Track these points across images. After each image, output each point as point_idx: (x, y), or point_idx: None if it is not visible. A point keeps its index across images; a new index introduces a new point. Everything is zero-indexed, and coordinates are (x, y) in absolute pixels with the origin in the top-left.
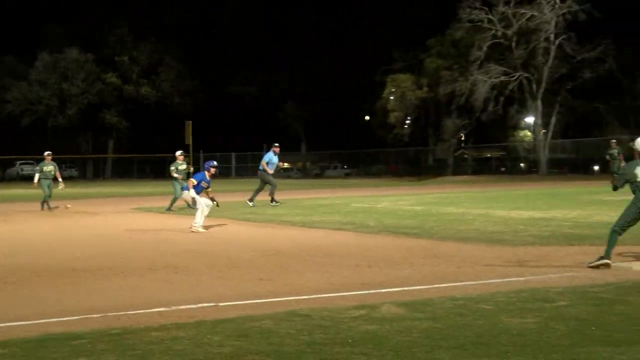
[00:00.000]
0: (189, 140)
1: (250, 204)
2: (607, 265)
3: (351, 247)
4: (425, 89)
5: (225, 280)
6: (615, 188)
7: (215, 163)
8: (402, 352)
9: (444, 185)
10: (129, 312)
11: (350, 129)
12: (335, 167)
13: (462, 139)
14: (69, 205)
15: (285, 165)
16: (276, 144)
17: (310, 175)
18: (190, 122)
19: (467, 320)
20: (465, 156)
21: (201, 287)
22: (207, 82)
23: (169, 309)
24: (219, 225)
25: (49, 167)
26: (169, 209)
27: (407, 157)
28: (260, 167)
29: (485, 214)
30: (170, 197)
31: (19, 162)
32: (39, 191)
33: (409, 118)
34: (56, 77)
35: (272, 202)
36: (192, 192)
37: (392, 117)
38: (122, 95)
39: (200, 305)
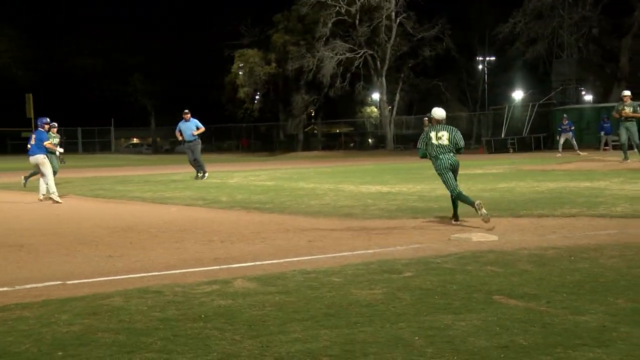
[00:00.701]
0: (30, 113)
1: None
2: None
3: (203, 223)
4: (274, 64)
5: (73, 257)
6: (421, 155)
7: (47, 119)
8: (256, 325)
9: (295, 161)
10: None
11: (201, 104)
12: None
13: (312, 114)
14: None
15: (135, 140)
16: (185, 110)
17: (161, 150)
18: (31, 95)
19: (318, 293)
20: (315, 132)
21: (48, 265)
22: (51, 54)
23: (12, 288)
24: (66, 201)
25: None
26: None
27: (258, 133)
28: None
29: (335, 189)
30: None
31: None
32: None
33: (258, 93)
34: None
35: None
36: (45, 156)
37: (242, 93)
38: None
39: (46, 283)
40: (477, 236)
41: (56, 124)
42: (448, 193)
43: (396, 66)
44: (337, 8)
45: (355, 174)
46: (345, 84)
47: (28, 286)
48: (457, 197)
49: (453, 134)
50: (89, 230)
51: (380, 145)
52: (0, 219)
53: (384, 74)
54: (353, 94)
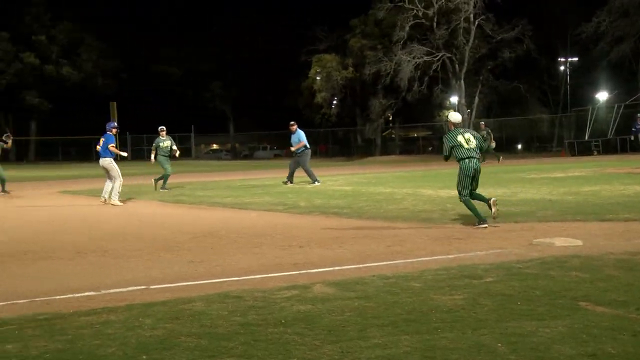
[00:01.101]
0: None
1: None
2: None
3: (282, 228)
4: (351, 69)
5: (156, 263)
6: (446, 158)
7: (115, 123)
8: (335, 331)
9: (373, 165)
10: (57, 297)
11: (278, 110)
12: (264, 148)
13: (390, 119)
14: None
15: (215, 146)
16: (291, 122)
17: (240, 156)
18: (115, 103)
19: (397, 298)
20: (393, 136)
21: (131, 270)
22: (131, 62)
23: (98, 293)
24: (149, 207)
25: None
26: (163, 188)
27: (336, 138)
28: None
29: (413, 193)
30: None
31: None
32: None
33: (335, 98)
34: None
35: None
36: (113, 160)
37: (319, 98)
38: (43, 75)
39: (130, 288)
40: (560, 241)
41: (164, 127)
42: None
43: (475, 69)
44: (415, 11)
45: (433, 178)
46: (423, 87)
47: (113, 291)
48: (464, 202)
49: (477, 136)
50: (171, 235)
51: None
52: (85, 224)
53: (462, 76)
54: (431, 98)
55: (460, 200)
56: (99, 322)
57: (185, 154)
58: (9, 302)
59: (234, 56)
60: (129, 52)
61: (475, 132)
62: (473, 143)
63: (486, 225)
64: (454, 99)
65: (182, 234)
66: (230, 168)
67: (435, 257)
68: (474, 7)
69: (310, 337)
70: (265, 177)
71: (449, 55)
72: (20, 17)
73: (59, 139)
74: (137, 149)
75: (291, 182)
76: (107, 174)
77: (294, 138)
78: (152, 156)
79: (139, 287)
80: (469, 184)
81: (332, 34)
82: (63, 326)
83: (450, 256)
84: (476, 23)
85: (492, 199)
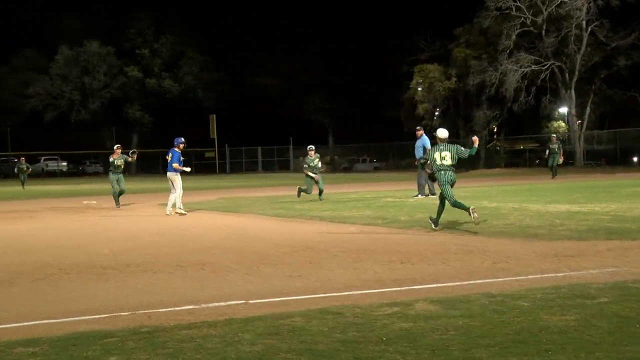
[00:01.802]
0: (214, 134)
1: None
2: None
3: (383, 243)
4: (454, 79)
5: (254, 277)
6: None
7: (182, 139)
8: (439, 350)
9: (477, 179)
10: (158, 310)
11: (378, 121)
12: (364, 161)
13: (494, 130)
14: (94, 202)
15: None
16: (417, 127)
17: (339, 169)
18: (214, 115)
19: (504, 318)
20: (498, 148)
21: (230, 284)
22: (231, 74)
23: (198, 306)
24: (246, 221)
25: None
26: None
27: None
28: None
29: (519, 208)
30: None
31: (43, 158)
32: (63, 187)
33: (438, 109)
34: (77, 71)
35: None
36: (177, 174)
37: (421, 109)
38: (145, 89)
39: (229, 302)
40: None
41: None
42: None
43: (586, 77)
44: (522, 19)
45: (541, 192)
46: (530, 97)
47: (212, 304)
48: (454, 205)
49: (455, 152)
50: (269, 249)
51: (568, 162)
52: (184, 237)
53: (572, 86)
54: (538, 108)
55: (451, 205)
56: (199, 336)
57: (284, 166)
58: (112, 315)
59: (335, 67)
60: (228, 64)
61: (456, 149)
62: (448, 160)
63: (436, 229)
64: (563, 110)
65: (280, 248)
66: (329, 181)
67: (544, 275)
68: (587, 13)
69: (412, 356)
70: (364, 191)
71: (559, 63)
72: (125, 32)
73: (160, 151)
74: (235, 161)
75: (432, 194)
76: (171, 186)
77: (417, 144)
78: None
79: (238, 302)
80: (450, 190)
81: (435, 43)
82: (164, 340)
83: (559, 274)
84: (589, 30)
85: (471, 207)
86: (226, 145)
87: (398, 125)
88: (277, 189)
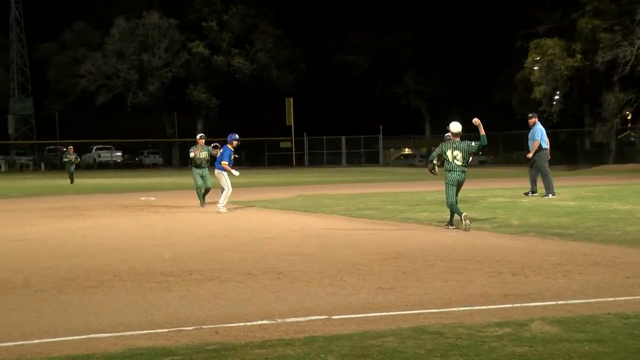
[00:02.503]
0: (290, 120)
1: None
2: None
3: (490, 250)
4: (579, 56)
5: (338, 288)
6: (429, 162)
7: (237, 136)
8: None
9: (605, 176)
10: (227, 325)
11: (486, 107)
12: None
13: (628, 117)
14: (152, 198)
15: (407, 150)
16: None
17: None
18: (291, 99)
19: None
20: (632, 139)
21: (310, 296)
22: (311, 51)
23: (273, 322)
24: (328, 223)
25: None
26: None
27: (558, 141)
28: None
29: None
30: None
31: (95, 147)
32: (118, 181)
33: (558, 93)
34: (135, 47)
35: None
36: (224, 172)
37: (537, 92)
38: (211, 67)
39: (309, 318)
40: None
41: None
42: None
43: None
44: None
45: None
46: None
47: (290, 320)
48: (450, 206)
49: (466, 150)
50: (356, 256)
51: None
52: (255, 240)
53: None
54: None
55: (447, 205)
56: (274, 356)
57: (372, 159)
58: (174, 329)
59: (433, 42)
60: (308, 39)
61: (467, 147)
62: (459, 159)
63: (453, 227)
64: None
65: (368, 255)
66: (425, 177)
67: None
68: None
69: None
70: (468, 189)
71: None
72: (190, 1)
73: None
74: (314, 153)
75: (534, 193)
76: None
77: (530, 134)
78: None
79: (319, 317)
80: (452, 191)
81: (555, 13)
82: (234, 359)
83: None
84: None
85: (464, 214)
86: (304, 134)
87: (509, 112)
88: (364, 186)
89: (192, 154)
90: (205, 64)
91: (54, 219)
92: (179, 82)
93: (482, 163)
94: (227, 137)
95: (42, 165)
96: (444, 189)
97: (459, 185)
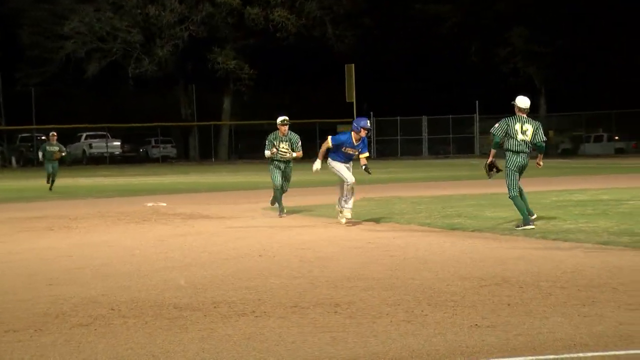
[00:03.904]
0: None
1: None
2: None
3: (629, 274)
4: None
5: (418, 326)
6: (495, 145)
7: (368, 123)
8: None
9: None
10: None
11: (623, 77)
12: (598, 139)
13: None
14: (163, 204)
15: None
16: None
17: (556, 153)
18: (353, 66)
19: None
20: None
21: (378, 337)
22: (380, 0)
23: None
24: (403, 235)
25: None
26: None
27: None
28: None
29: None
30: None
31: (84, 135)
32: (116, 181)
33: None
34: None
35: None
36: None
37: None
38: (243, 23)
39: None
40: None
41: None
42: None
43: None
44: None
45: None
46: None
47: None
48: (513, 199)
49: (536, 129)
50: (441, 282)
51: None
52: (305, 261)
53: None
54: None
55: (509, 198)
56: None
57: (465, 147)
58: None
59: None
60: None
61: (538, 124)
62: (529, 134)
63: (533, 226)
64: None
65: (459, 280)
66: (539, 171)
67: None
68: None
69: None
70: (599, 189)
71: None
72: None
73: (265, 123)
74: (385, 140)
75: None
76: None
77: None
78: None
79: None
80: (516, 179)
81: None
82: None
83: None
84: None
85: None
86: (371, 113)
87: None
88: (455, 185)
89: (267, 153)
90: (234, 18)
91: (30, 233)
92: (198, 44)
93: (619, 152)
94: (286, 110)
95: (13, 160)
96: (506, 175)
97: (522, 171)
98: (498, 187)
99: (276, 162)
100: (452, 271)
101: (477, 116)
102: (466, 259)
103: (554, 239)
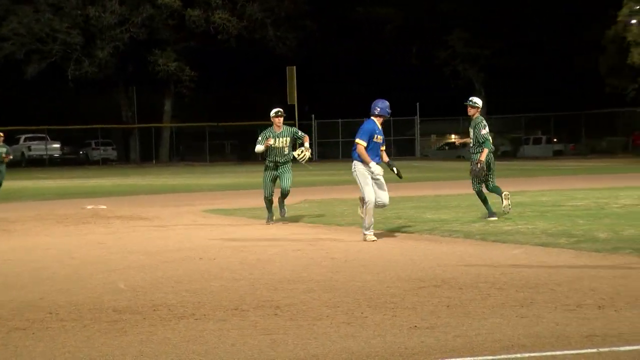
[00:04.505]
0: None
1: None
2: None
3: (566, 275)
4: None
5: (357, 328)
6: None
7: (387, 106)
8: None
9: None
10: None
11: (561, 77)
12: (537, 141)
13: None
14: (103, 207)
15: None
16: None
17: (495, 155)
18: (294, 68)
19: None
20: None
21: (318, 339)
22: (321, 2)
23: None
24: (343, 237)
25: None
26: None
27: None
28: None
29: None
30: None
31: (23, 137)
32: (56, 183)
33: None
34: None
35: None
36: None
37: (637, 56)
38: (184, 25)
39: None
40: None
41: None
42: None
43: None
44: None
45: None
46: None
47: None
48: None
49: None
50: (382, 284)
51: None
52: (245, 264)
53: None
54: None
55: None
56: None
57: (405, 149)
58: None
59: None
60: None
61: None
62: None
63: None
64: None
65: (399, 282)
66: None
67: None
68: None
69: None
70: (538, 190)
71: None
72: None
73: (208, 125)
74: (327, 142)
75: None
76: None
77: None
78: None
79: None
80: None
81: None
82: None
83: None
84: None
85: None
86: (312, 116)
87: (594, 83)
88: (395, 188)
89: (260, 148)
90: (175, 20)
91: None
92: (139, 46)
93: (557, 154)
94: (226, 111)
95: None
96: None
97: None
98: (438, 189)
99: (271, 165)
100: (392, 273)
101: (417, 118)
102: (406, 261)
103: (493, 241)
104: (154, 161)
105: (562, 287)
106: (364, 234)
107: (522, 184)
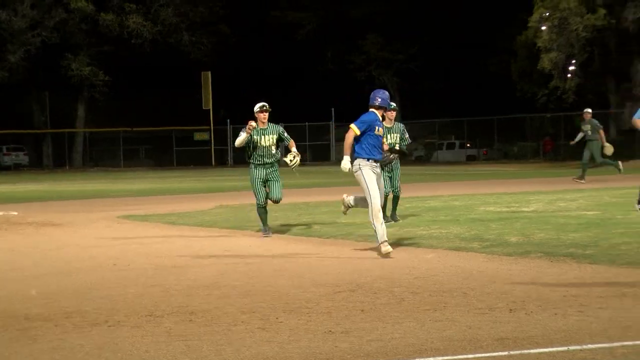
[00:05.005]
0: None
1: None
2: None
3: (479, 278)
4: (602, 11)
5: (272, 333)
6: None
7: (387, 97)
8: None
9: (637, 174)
10: None
11: (474, 82)
12: (451, 146)
13: None
14: (14, 213)
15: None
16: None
17: (410, 159)
18: (209, 73)
19: None
20: None
21: (232, 344)
22: (237, 8)
23: None
24: (262, 244)
25: None
26: None
27: (573, 128)
28: None
29: None
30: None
31: None
32: None
33: (574, 62)
34: None
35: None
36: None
37: (546, 61)
38: (98, 30)
39: None
40: None
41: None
42: None
43: None
44: None
45: None
46: None
47: None
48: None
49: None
50: (297, 289)
51: None
52: (160, 270)
53: None
54: None
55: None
56: None
57: (321, 154)
58: None
59: None
60: None
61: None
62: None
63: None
64: None
65: (314, 287)
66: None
67: None
68: None
69: None
70: (451, 195)
71: None
72: None
73: (120, 130)
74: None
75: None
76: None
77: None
78: None
79: None
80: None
81: None
82: None
83: None
84: None
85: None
86: (228, 121)
87: (507, 88)
88: (311, 192)
89: (242, 136)
90: (88, 24)
91: None
92: (51, 50)
93: (470, 159)
94: (137, 115)
95: None
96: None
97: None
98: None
99: (258, 166)
100: (307, 278)
101: (333, 124)
102: (321, 266)
103: (408, 245)
104: (67, 166)
105: (475, 290)
106: (379, 246)
107: (435, 189)
